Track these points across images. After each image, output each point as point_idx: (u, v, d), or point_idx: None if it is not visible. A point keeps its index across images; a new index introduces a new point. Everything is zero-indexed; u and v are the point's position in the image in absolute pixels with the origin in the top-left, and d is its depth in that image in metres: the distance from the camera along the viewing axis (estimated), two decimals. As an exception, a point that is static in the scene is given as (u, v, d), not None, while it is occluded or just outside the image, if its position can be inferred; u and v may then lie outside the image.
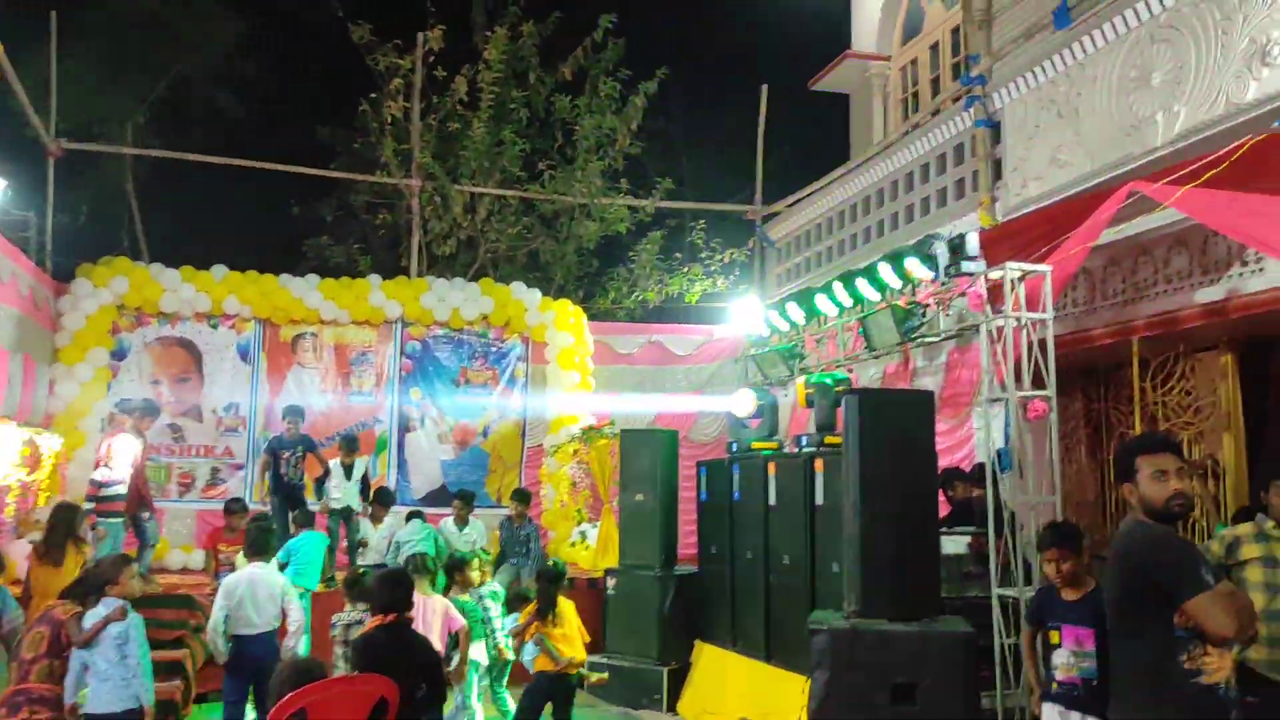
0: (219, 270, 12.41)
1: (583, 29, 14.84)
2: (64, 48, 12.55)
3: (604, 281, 15.61)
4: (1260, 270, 6.81)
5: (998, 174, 9.36)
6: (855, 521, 5.98)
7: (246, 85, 16.37)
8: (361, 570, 7.64)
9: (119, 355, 12.13)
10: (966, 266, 7.06)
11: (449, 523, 10.29)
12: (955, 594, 6.84)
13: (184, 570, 11.42)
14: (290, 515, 9.64)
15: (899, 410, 6.09)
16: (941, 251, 7.33)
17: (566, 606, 7.11)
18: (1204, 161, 6.36)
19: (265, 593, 6.37)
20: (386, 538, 9.85)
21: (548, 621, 6.92)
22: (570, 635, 6.97)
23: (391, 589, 5.08)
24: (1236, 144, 5.64)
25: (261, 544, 6.50)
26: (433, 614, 7.22)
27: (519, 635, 7.05)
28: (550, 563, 7.39)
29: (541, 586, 7.10)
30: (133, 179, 14.42)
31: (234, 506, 9.29)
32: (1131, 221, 7.93)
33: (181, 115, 15.29)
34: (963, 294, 7.41)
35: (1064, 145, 8.49)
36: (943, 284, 7.53)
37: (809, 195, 13.30)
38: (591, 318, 13.83)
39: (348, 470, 10.20)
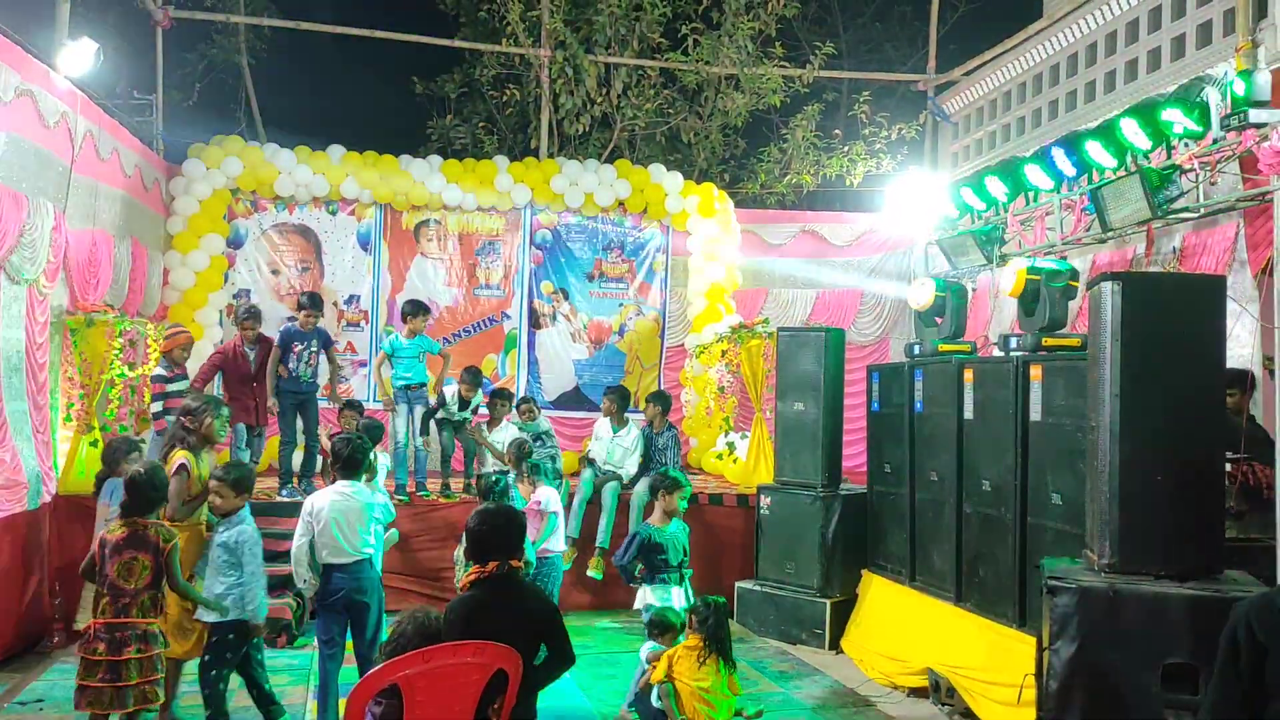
0: (336, 151, 11.47)
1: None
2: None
3: (752, 164, 14.00)
4: None
5: (1262, 10, 7.47)
6: (1111, 447, 4.53)
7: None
8: (495, 477, 6.46)
9: (235, 243, 11.39)
10: (1257, 116, 5.33)
11: (604, 424, 9.30)
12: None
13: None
14: (301, 423, 8.62)
15: (1180, 301, 4.55)
16: (1216, 98, 5.60)
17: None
18: None
19: (354, 515, 5.28)
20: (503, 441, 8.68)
21: (696, 664, 5.13)
22: (708, 690, 5.07)
23: (492, 531, 3.86)
24: None
25: (351, 462, 5.40)
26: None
27: (652, 662, 5.36)
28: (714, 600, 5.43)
29: (707, 619, 5.19)
30: (246, 53, 13.48)
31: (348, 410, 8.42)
32: None
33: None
34: (1237, 154, 5.67)
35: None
36: (1215, 141, 5.79)
37: (994, 60, 11.45)
38: (738, 204, 12.44)
39: (464, 404, 9.07)
